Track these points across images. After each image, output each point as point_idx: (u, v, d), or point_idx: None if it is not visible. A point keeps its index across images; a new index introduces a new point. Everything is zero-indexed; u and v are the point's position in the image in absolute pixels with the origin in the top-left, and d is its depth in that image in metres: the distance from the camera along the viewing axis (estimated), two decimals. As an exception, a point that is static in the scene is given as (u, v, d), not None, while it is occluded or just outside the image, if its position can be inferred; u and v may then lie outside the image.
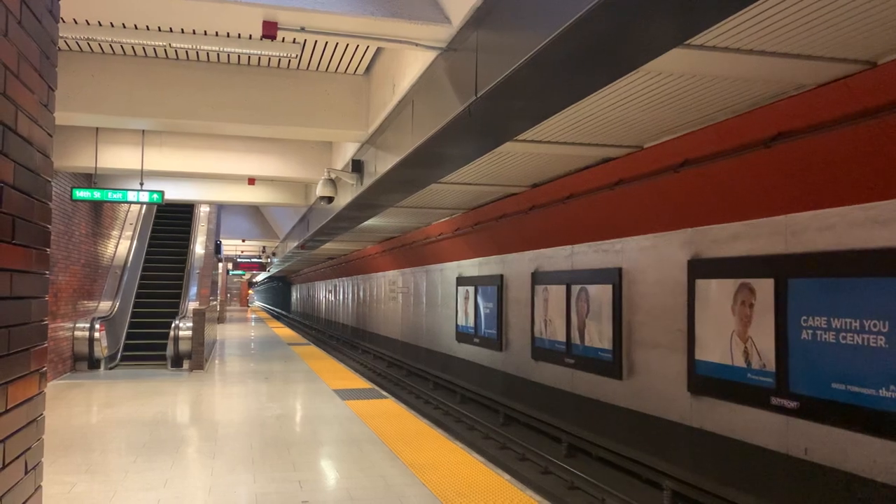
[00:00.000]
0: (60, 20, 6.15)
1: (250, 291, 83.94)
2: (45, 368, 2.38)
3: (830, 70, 5.47)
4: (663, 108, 6.68)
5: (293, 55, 7.20)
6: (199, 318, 12.86)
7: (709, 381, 7.98)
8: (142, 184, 11.86)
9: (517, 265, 13.54)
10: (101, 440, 7.11)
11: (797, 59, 5.23)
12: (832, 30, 4.74)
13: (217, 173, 11.93)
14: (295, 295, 66.69)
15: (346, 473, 5.87)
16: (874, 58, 5.26)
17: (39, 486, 2.37)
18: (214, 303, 22.01)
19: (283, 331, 26.73)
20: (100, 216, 14.11)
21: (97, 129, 10.94)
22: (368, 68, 8.40)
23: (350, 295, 33.61)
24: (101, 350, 12.59)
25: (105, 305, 14.10)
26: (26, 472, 2.22)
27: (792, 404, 6.83)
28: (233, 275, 46.58)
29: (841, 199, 6.35)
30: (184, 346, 13.06)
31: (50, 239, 2.39)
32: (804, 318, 6.72)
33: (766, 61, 5.28)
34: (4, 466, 2.02)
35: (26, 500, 2.23)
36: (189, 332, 12.98)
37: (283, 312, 65.16)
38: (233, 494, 5.23)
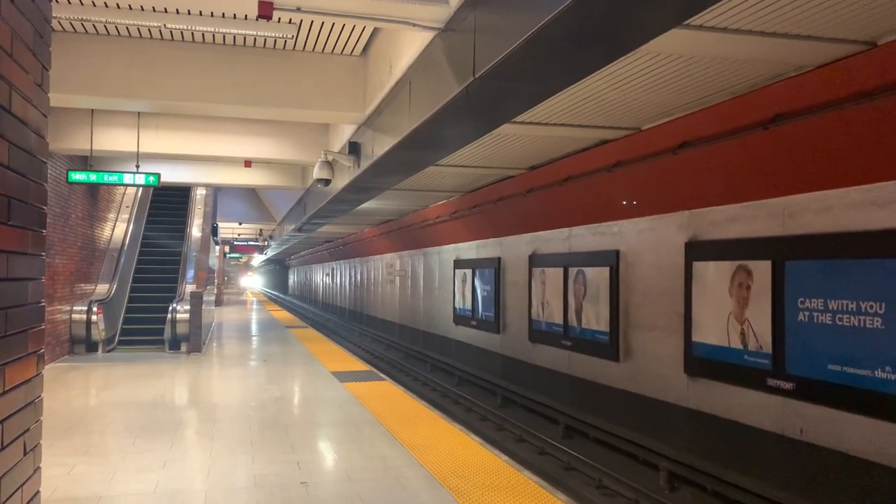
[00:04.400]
0: (54, 0, 6.10)
1: (250, 274, 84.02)
2: (42, 350, 2.38)
3: (830, 50, 5.45)
4: (661, 90, 6.65)
5: (289, 36, 7.15)
6: (197, 300, 12.86)
7: (705, 363, 8.02)
8: (138, 166, 11.80)
9: (515, 248, 13.54)
10: (99, 422, 7.12)
11: (797, 40, 5.21)
12: (832, 9, 4.71)
13: (213, 156, 11.87)
14: (292, 278, 66.74)
15: (345, 455, 5.90)
16: (874, 38, 5.23)
17: (38, 468, 2.38)
18: (212, 286, 22.02)
19: (281, 314, 26.76)
20: (96, 199, 14.06)
21: (92, 110, 10.87)
22: (365, 49, 8.35)
23: (347, 278, 33.64)
24: (99, 333, 12.60)
25: (102, 288, 14.09)
26: (25, 454, 2.22)
27: (788, 385, 6.86)
28: (230, 258, 46.57)
29: (839, 181, 6.35)
30: (181, 329, 13.06)
31: (46, 220, 2.38)
32: (801, 299, 6.74)
33: (765, 42, 5.25)
34: (3, 447, 2.03)
35: (26, 481, 2.24)
36: (186, 315, 12.99)
37: (281, 295, 65.23)
38: (231, 476, 5.25)
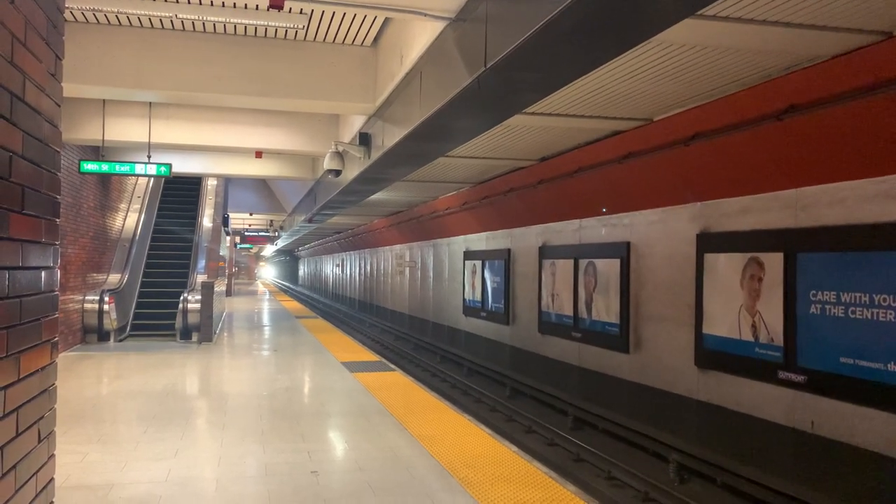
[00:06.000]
0: (66, -10, 6.09)
1: (261, 264, 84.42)
2: (56, 339, 2.39)
3: (845, 41, 5.39)
4: (674, 81, 6.60)
5: (300, 26, 7.13)
6: (208, 290, 12.92)
7: (716, 355, 7.99)
8: (149, 156, 11.84)
9: (525, 239, 13.52)
10: (111, 411, 7.18)
11: (811, 30, 5.16)
12: (848, -1, 4.66)
13: (224, 146, 11.90)
14: (303, 269, 66.92)
15: (355, 444, 5.92)
16: (890, 28, 5.17)
17: (53, 455, 2.40)
18: (222, 276, 22.11)
19: (291, 304, 26.86)
20: (107, 189, 14.13)
21: (104, 101, 10.91)
22: (376, 39, 8.33)
23: (357, 269, 33.69)
24: (111, 322, 12.68)
25: (114, 278, 14.18)
26: (39, 441, 2.24)
27: (799, 378, 6.83)
28: (240, 248, 46.73)
29: (853, 173, 6.29)
30: (192, 319, 13.14)
31: (59, 209, 2.39)
32: (813, 292, 6.70)
33: (779, 32, 5.20)
34: (18, 435, 2.04)
35: (40, 468, 2.25)
36: (198, 305, 13.05)
37: (291, 286, 65.43)
38: (242, 465, 5.29)
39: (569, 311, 11.52)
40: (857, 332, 6.21)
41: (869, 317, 6.10)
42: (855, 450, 6.27)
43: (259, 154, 14.08)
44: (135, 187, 16.70)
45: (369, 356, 11.47)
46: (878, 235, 6.03)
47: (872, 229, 6.10)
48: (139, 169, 11.35)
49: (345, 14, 7.39)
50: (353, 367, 10.17)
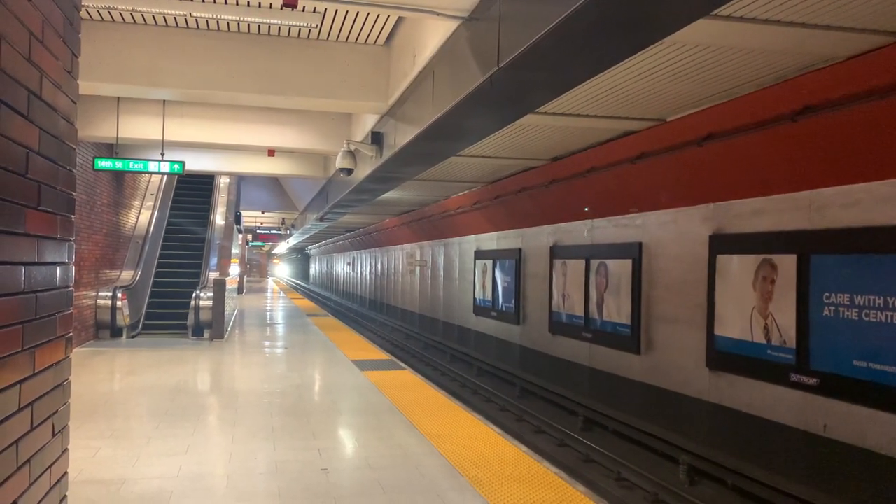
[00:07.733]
0: (82, -12, 6.13)
1: (274, 261, 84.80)
2: (70, 334, 2.41)
3: (861, 42, 5.35)
4: (688, 81, 6.58)
5: (313, 25, 7.15)
6: (220, 287, 12.97)
7: (728, 357, 7.95)
8: (163, 154, 11.91)
9: (536, 239, 13.50)
10: (124, 407, 7.23)
11: (827, 31, 5.12)
12: (864, 0, 4.62)
13: (237, 144, 11.95)
14: (314, 267, 67.13)
15: (365, 442, 5.93)
16: (907, 29, 5.13)
17: (66, 449, 2.42)
18: (234, 273, 22.18)
19: (302, 302, 26.94)
20: (121, 186, 14.22)
21: (118, 98, 10.98)
22: (389, 39, 8.33)
23: (368, 267, 33.75)
24: (124, 319, 12.75)
25: (127, 275, 14.26)
26: (54, 435, 2.26)
27: (812, 381, 6.79)
28: (252, 246, 46.93)
29: (868, 175, 6.24)
30: (204, 316, 13.19)
31: (74, 206, 2.41)
32: (826, 294, 6.65)
33: (795, 32, 5.17)
34: (33, 428, 2.06)
35: (54, 462, 2.27)
36: (210, 302, 13.11)
37: (302, 284, 65.64)
38: (253, 461, 5.31)
39: (580, 312, 11.49)
40: (872, 335, 6.16)
41: (883, 319, 6.05)
42: (867, 453, 6.23)
43: (272, 152, 14.13)
44: (148, 184, 16.79)
45: (380, 354, 11.49)
46: (894, 238, 5.98)
47: (888, 231, 6.05)
48: (153, 166, 11.42)
49: (358, 13, 7.41)
50: (364, 365, 10.19)
